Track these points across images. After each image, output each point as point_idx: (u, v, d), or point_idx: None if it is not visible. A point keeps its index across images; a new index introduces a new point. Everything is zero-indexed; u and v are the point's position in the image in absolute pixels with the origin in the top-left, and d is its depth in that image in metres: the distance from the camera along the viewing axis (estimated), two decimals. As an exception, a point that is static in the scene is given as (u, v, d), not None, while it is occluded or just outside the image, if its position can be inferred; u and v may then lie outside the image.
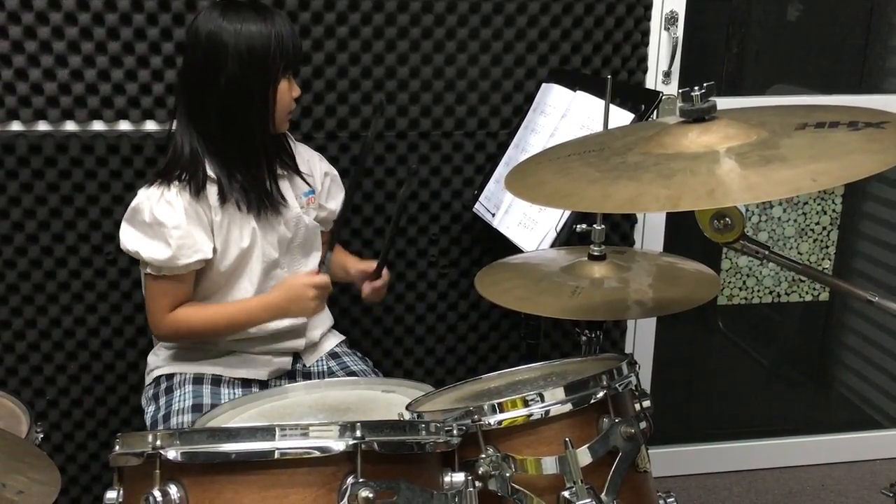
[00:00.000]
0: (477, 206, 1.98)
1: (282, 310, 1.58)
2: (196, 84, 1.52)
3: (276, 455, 0.94)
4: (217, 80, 1.48)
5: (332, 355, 1.75)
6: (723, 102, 1.11)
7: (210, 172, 1.53)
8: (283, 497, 0.93)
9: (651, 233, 2.21)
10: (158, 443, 0.93)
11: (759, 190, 0.94)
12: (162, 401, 1.60)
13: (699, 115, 1.09)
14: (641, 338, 2.29)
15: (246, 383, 1.63)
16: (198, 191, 1.50)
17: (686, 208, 0.93)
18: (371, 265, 1.71)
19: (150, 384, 1.66)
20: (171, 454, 0.93)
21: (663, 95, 1.65)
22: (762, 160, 0.99)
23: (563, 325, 2.19)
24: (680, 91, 1.10)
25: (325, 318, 1.78)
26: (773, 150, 1.02)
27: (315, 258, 1.69)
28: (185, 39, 1.82)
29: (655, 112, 1.65)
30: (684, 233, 2.24)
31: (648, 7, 2.03)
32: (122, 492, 0.99)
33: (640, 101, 1.66)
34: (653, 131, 1.16)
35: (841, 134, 1.03)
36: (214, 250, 1.54)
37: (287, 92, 1.54)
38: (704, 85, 1.09)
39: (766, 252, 1.15)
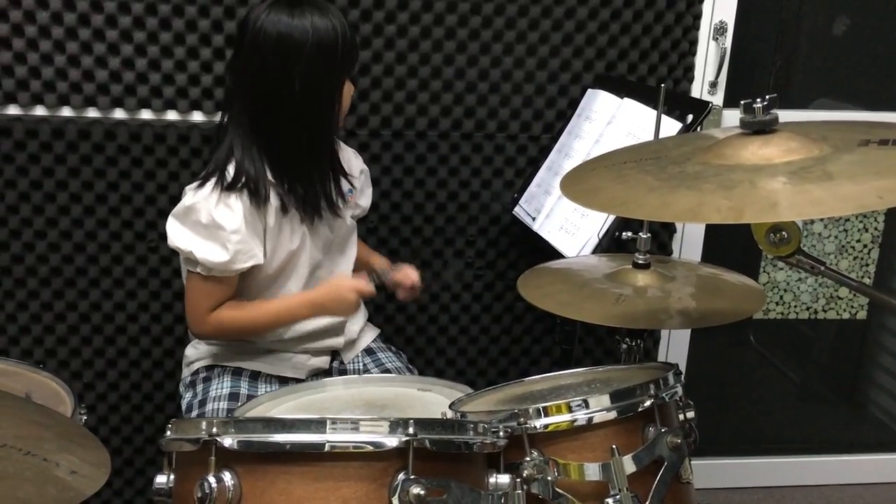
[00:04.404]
0: (517, 209, 1.98)
1: (322, 307, 1.57)
2: (267, 87, 1.44)
3: (327, 448, 0.95)
4: (290, 81, 1.42)
5: (368, 351, 1.75)
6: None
7: (271, 178, 1.50)
8: (334, 489, 0.94)
9: (689, 243, 2.19)
10: (214, 430, 0.94)
11: (823, 205, 0.93)
12: (199, 388, 1.61)
13: (761, 128, 1.08)
14: (675, 348, 2.27)
15: (283, 381, 1.62)
16: (259, 203, 1.47)
17: (749, 220, 0.93)
18: (404, 275, 1.67)
19: (187, 374, 1.68)
20: (227, 441, 0.94)
21: (713, 106, 1.63)
22: (825, 175, 0.98)
23: (596, 331, 2.18)
24: (742, 102, 1.09)
25: (361, 312, 1.77)
26: (836, 165, 1.00)
27: (351, 256, 1.69)
28: (235, 32, 1.84)
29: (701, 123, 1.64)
30: (723, 244, 2.23)
31: (697, 16, 2.02)
32: (172, 477, 1.01)
33: (689, 110, 1.65)
34: (710, 142, 1.15)
35: (906, 152, 1.01)
36: (265, 253, 1.52)
37: (348, 91, 1.53)
38: (766, 97, 1.08)
39: (822, 268, 1.14)
